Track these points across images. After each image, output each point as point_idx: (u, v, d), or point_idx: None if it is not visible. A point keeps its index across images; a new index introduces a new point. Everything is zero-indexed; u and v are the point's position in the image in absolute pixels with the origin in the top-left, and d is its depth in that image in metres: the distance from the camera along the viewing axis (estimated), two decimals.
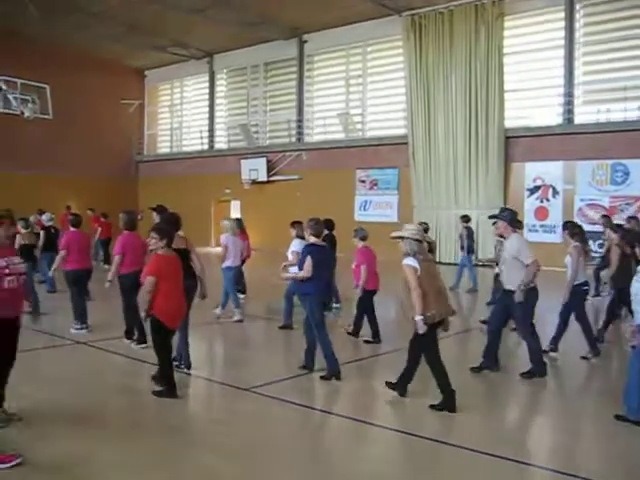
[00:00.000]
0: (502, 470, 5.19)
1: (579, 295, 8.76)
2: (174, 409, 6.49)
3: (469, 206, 22.27)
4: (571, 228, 9.04)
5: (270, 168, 27.88)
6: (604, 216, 15.97)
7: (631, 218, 13.89)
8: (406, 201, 24.17)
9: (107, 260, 18.77)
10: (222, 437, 5.80)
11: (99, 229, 20.62)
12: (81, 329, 10.10)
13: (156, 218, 12.56)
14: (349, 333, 10.09)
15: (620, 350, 9.49)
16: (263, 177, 27.88)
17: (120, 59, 31.33)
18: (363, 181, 25.69)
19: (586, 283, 8.87)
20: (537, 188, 21.56)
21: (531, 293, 7.79)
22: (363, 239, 9.99)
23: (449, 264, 19.87)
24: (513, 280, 7.79)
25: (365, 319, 10.00)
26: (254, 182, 28.18)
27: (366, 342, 9.78)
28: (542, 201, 21.43)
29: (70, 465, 5.06)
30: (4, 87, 21.97)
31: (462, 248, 16.48)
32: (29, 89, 22.74)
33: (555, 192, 21.22)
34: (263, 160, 27.93)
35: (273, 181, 27.90)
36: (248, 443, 5.65)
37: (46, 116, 23.53)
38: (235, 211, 28.75)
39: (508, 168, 22.00)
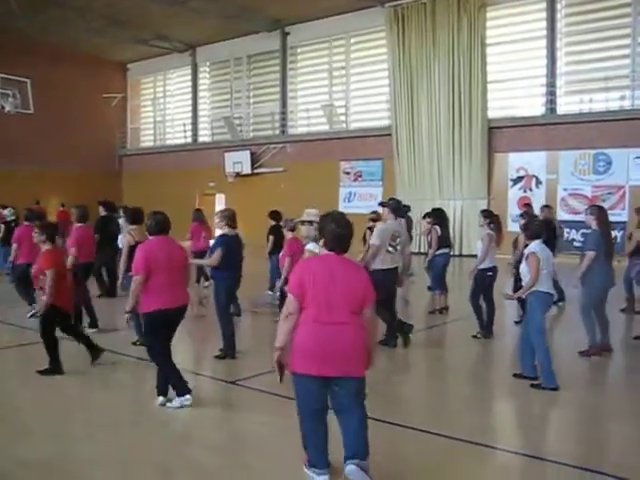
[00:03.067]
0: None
1: (485, 279, 9.36)
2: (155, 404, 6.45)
3: (453, 197, 22.38)
4: (488, 216, 9.76)
5: (254, 161, 27.83)
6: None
7: (545, 207, 14.01)
8: (390, 192, 23.99)
9: None
10: (208, 430, 5.81)
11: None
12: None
13: (102, 212, 12.82)
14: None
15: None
16: (247, 170, 27.81)
17: (102, 53, 31.09)
18: (347, 173, 25.71)
19: (492, 269, 9.37)
20: (520, 178, 21.67)
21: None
22: (292, 230, 10.00)
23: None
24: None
25: None
26: (238, 175, 28.13)
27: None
28: (525, 191, 21.53)
29: (54, 461, 5.04)
30: None
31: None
32: (10, 83, 22.63)
33: (538, 182, 21.34)
34: (247, 153, 27.86)
35: (257, 174, 27.85)
36: (234, 436, 5.67)
37: (27, 111, 23.35)
38: (220, 204, 28.65)
39: (492, 158, 22.11)
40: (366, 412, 4.49)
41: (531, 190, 21.41)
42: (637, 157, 19.53)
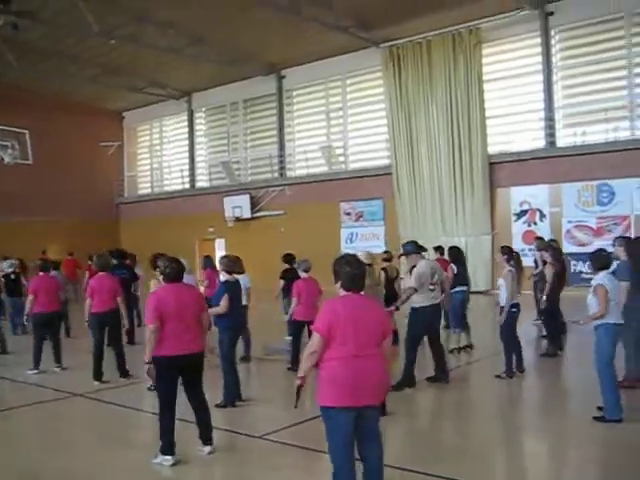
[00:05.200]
0: None
1: (510, 316, 9.24)
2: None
3: (457, 233, 22.19)
4: (507, 252, 9.57)
5: (254, 204, 27.70)
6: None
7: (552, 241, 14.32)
8: (393, 231, 24.03)
9: None
10: None
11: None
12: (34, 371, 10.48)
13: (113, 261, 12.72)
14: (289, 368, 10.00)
15: None
16: (247, 214, 27.67)
17: (97, 101, 31.13)
18: (348, 213, 25.57)
19: (515, 305, 9.28)
20: (524, 212, 21.55)
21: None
22: (306, 270, 10.27)
23: None
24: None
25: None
26: (238, 219, 27.96)
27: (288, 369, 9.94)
28: (530, 225, 21.40)
29: None
30: None
31: None
32: (8, 135, 22.51)
33: (542, 215, 21.22)
34: (246, 197, 27.75)
35: (257, 217, 27.70)
36: None
37: (26, 161, 23.25)
38: (220, 249, 28.43)
39: (494, 193, 22.03)
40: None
41: (535, 224, 21.28)
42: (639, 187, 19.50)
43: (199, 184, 31.26)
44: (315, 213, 25.48)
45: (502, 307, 9.20)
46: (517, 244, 21.35)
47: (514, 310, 9.26)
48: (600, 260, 7.27)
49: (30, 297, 10.51)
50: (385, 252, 13.38)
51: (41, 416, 8.15)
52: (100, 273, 9.99)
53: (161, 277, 6.39)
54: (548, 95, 21.15)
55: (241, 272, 8.96)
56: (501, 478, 5.85)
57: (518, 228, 21.63)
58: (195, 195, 30.46)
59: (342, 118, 26.35)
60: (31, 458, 6.35)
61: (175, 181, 32.27)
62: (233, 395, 8.07)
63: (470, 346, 11.26)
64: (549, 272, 10.90)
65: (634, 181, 19.48)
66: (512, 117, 21.96)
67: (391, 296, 12.23)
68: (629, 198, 19.66)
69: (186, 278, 10.91)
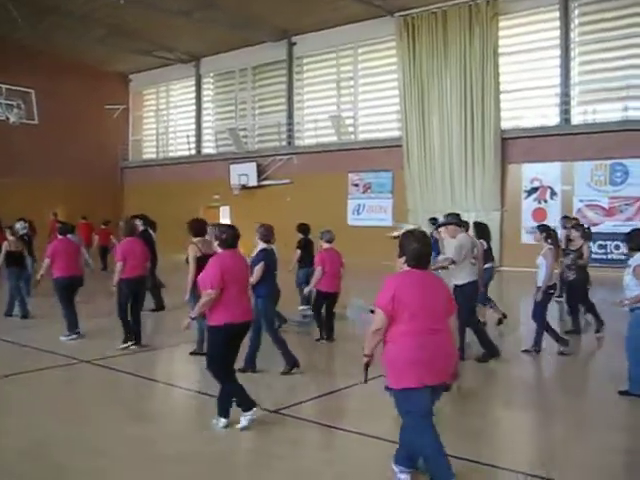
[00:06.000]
0: None
1: (548, 297, 9.17)
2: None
3: (466, 208, 21.90)
4: (546, 231, 9.41)
5: (260, 173, 27.41)
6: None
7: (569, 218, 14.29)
8: (401, 204, 23.82)
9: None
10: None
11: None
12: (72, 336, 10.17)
13: (141, 226, 12.47)
14: (317, 339, 10.03)
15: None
16: (253, 182, 27.39)
17: (104, 63, 30.68)
18: (356, 185, 25.31)
19: (553, 286, 9.24)
20: (535, 189, 21.30)
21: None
22: (329, 241, 10.16)
23: None
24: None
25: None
26: (244, 187, 27.69)
27: (317, 340, 9.97)
28: (540, 202, 21.17)
29: None
30: None
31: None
32: (14, 94, 22.15)
33: (553, 193, 20.98)
34: (253, 165, 27.44)
35: (263, 186, 27.43)
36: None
37: (31, 121, 22.91)
38: (224, 217, 28.21)
39: (505, 169, 21.75)
40: None
41: (546, 201, 21.05)
42: None
43: (205, 151, 30.91)
44: (322, 183, 25.21)
45: (539, 287, 9.02)
46: (527, 221, 21.29)
47: (552, 291, 9.20)
48: (637, 240, 7.10)
49: (47, 261, 10.13)
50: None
51: (53, 382, 7.98)
52: (128, 238, 9.75)
53: (216, 243, 6.24)
54: (565, 71, 20.78)
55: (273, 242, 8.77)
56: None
57: (528, 205, 21.41)
58: (201, 162, 30.14)
59: (353, 88, 25.94)
60: (40, 426, 6.18)
61: (181, 147, 31.89)
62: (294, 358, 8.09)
63: (505, 316, 11.25)
64: (586, 251, 10.83)
65: None
66: (527, 92, 21.61)
67: None
68: None
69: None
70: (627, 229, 19.88)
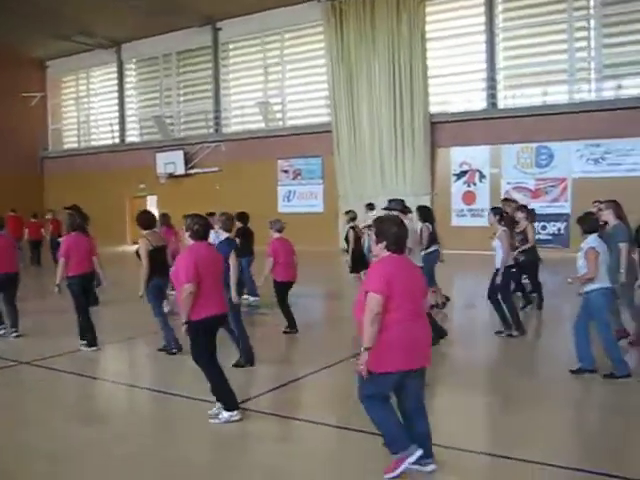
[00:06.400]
0: None
1: (508, 277, 9.28)
2: None
3: (397, 193, 22.02)
4: (499, 214, 9.52)
5: (188, 161, 26.87)
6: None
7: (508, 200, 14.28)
8: (331, 190, 23.79)
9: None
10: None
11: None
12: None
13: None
14: (285, 332, 9.86)
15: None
16: (181, 170, 26.82)
17: (18, 49, 29.27)
18: (286, 171, 25.12)
19: (513, 265, 9.45)
20: (464, 173, 21.64)
21: None
22: (279, 230, 9.97)
23: None
24: None
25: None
26: (171, 176, 27.09)
27: (284, 332, 9.77)
28: (469, 185, 21.53)
29: None
30: None
31: None
32: None
33: (482, 176, 21.36)
34: (180, 153, 26.86)
35: (191, 174, 26.89)
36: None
37: None
38: (151, 207, 27.49)
39: (434, 153, 22.01)
40: None
41: (475, 184, 21.42)
42: (578, 150, 19.79)
43: (129, 139, 30.06)
44: (251, 170, 24.93)
45: (497, 269, 9.10)
46: (456, 204, 21.63)
47: (513, 270, 9.42)
48: (589, 223, 7.23)
49: None
50: (349, 211, 13.14)
51: None
52: (72, 233, 9.12)
53: (187, 234, 6.01)
54: (490, 56, 21.15)
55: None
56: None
57: (457, 189, 21.74)
58: (125, 150, 29.28)
59: (280, 74, 25.68)
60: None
61: (104, 135, 30.92)
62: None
63: (448, 299, 11.51)
64: (531, 232, 11.09)
65: (572, 144, 19.79)
66: (454, 77, 21.89)
67: (360, 256, 12.07)
68: (567, 161, 19.97)
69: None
70: (553, 210, 20.46)
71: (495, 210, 9.69)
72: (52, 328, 10.29)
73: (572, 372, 7.12)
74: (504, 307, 9.21)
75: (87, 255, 9.02)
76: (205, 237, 6.08)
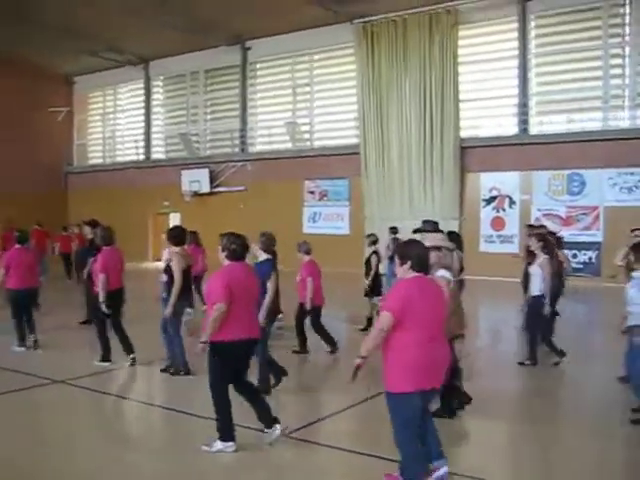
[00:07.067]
0: None
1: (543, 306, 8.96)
2: None
3: (425, 216, 21.79)
4: (543, 240, 9.17)
5: (213, 179, 26.80)
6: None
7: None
8: (358, 212, 23.62)
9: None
10: None
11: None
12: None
13: (89, 232, 11.80)
14: (295, 351, 9.71)
15: None
16: (205, 188, 26.76)
17: (46, 64, 29.37)
18: (312, 192, 24.99)
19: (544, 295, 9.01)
20: (493, 198, 21.40)
21: None
22: (308, 252, 9.88)
23: None
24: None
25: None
26: (196, 194, 27.02)
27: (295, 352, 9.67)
28: (498, 211, 21.29)
29: None
30: None
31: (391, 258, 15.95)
32: None
33: (512, 202, 21.11)
34: (205, 171, 26.81)
35: (216, 192, 26.82)
36: None
37: None
38: (175, 224, 27.41)
39: (464, 178, 21.79)
40: None
41: (504, 210, 21.18)
42: (610, 178, 19.53)
43: (155, 156, 30.05)
44: (277, 190, 24.82)
45: (533, 297, 8.91)
46: (485, 230, 21.37)
47: (545, 301, 9.00)
48: None
49: (1, 271, 9.55)
50: (370, 235, 12.96)
51: (22, 405, 7.35)
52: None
53: (224, 254, 5.83)
54: (523, 81, 20.99)
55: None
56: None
57: (486, 214, 21.50)
58: (150, 167, 29.28)
59: (309, 94, 25.63)
60: (26, 455, 5.61)
61: (129, 152, 30.95)
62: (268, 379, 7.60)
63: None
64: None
65: (605, 172, 19.56)
66: (486, 102, 21.74)
67: (379, 281, 11.90)
68: (599, 189, 19.71)
69: (167, 252, 10.36)
70: (584, 238, 20.13)
71: (538, 237, 9.32)
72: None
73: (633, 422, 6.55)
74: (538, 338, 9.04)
75: (119, 270, 9.02)
76: (242, 257, 5.90)
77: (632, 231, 10.88)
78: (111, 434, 6.36)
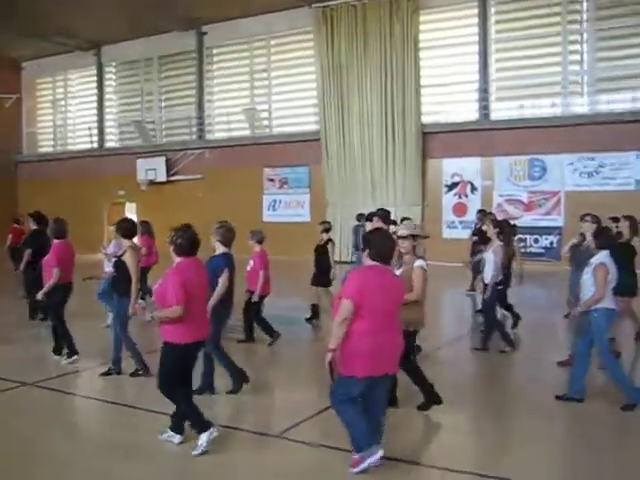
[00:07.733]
0: None
1: (499, 292, 9.19)
2: None
3: (387, 203, 21.69)
4: (499, 226, 9.25)
5: (169, 167, 26.21)
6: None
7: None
8: (318, 199, 23.35)
9: None
10: None
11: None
12: None
13: (33, 225, 11.27)
14: (240, 341, 9.45)
15: None
16: (162, 177, 26.15)
17: None
18: (272, 180, 24.63)
19: (501, 281, 9.15)
20: (455, 184, 21.39)
21: None
22: (260, 242, 9.64)
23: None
24: None
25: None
26: (152, 182, 26.39)
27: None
28: (460, 197, 21.29)
29: None
30: None
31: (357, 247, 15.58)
32: None
33: (473, 188, 21.13)
34: (162, 159, 26.21)
35: (173, 181, 26.24)
36: None
37: None
38: (130, 214, 26.78)
39: (426, 164, 21.72)
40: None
41: (466, 196, 21.19)
42: (571, 163, 19.67)
43: (109, 144, 29.25)
44: (236, 178, 24.38)
45: (486, 284, 8.89)
46: (447, 216, 21.36)
47: (499, 287, 9.11)
48: (607, 239, 6.74)
49: None
50: (324, 222, 12.49)
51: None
52: (59, 240, 8.58)
53: (171, 248, 5.46)
54: (483, 67, 20.97)
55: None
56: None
57: (449, 200, 21.49)
58: (104, 155, 28.49)
59: (267, 80, 25.21)
60: None
61: (81, 140, 30.05)
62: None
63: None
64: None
65: (565, 157, 19.70)
66: (447, 87, 21.63)
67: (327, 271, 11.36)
68: (560, 174, 19.85)
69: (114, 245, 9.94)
70: (545, 223, 20.24)
71: (495, 222, 9.45)
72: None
73: (557, 398, 6.61)
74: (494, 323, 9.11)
75: (72, 263, 8.67)
76: (191, 252, 5.49)
77: (581, 218, 10.76)
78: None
